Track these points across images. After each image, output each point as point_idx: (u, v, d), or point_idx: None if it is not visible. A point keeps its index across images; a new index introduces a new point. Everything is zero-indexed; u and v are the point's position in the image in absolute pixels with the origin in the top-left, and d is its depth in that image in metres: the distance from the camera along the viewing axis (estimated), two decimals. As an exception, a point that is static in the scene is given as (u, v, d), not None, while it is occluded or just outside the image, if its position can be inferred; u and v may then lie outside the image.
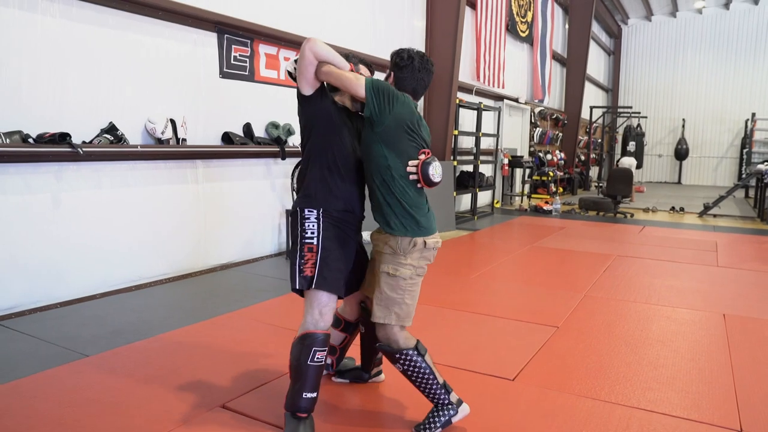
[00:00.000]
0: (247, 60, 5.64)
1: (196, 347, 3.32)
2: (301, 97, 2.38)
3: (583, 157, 16.65)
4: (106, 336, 3.51)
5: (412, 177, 2.32)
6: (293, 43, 6.06)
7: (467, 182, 9.48)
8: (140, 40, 4.63)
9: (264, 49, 5.80)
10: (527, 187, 12.37)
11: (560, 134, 15.42)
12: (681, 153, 19.50)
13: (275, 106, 6.00)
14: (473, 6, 9.77)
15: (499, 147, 10.81)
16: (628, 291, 4.86)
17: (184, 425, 2.41)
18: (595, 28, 17.41)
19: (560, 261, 6.13)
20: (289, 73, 2.50)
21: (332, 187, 2.38)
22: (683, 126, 19.61)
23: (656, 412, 2.62)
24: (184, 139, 4.91)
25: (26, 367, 3.00)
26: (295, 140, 6.05)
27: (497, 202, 11.36)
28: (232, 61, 5.47)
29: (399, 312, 2.36)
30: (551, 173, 12.96)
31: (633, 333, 3.76)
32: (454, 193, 8.56)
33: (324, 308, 2.33)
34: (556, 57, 14.76)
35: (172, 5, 4.75)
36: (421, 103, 8.56)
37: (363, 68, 2.55)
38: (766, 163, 10.64)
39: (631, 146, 17.75)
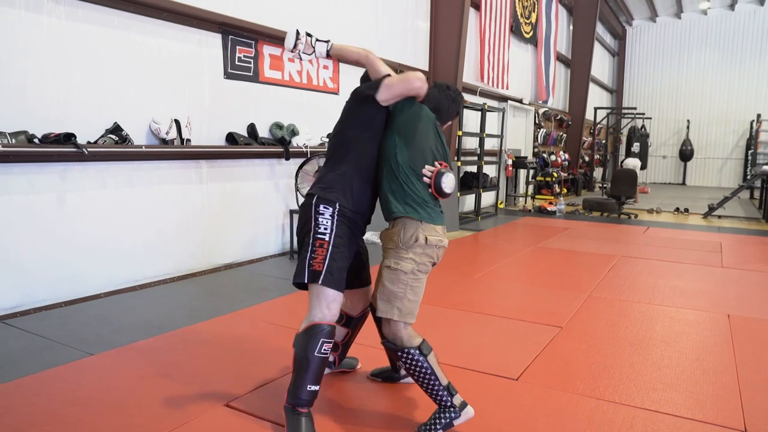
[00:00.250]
0: (252, 61, 5.66)
1: (199, 346, 3.33)
2: (368, 98, 2.46)
3: (587, 158, 16.61)
4: (110, 335, 3.52)
5: (425, 179, 2.39)
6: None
7: (471, 183, 9.48)
8: (144, 40, 4.65)
9: (268, 50, 5.81)
10: (531, 187, 12.34)
11: (564, 135, 15.39)
12: (685, 154, 19.43)
13: (279, 107, 6.02)
14: (477, 7, 9.77)
15: (503, 148, 10.80)
16: (632, 291, 4.84)
17: (187, 424, 2.41)
18: (600, 29, 17.38)
19: (564, 261, 6.12)
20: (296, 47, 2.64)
21: (353, 186, 2.43)
22: (688, 127, 19.54)
23: (660, 412, 2.61)
24: (188, 140, 4.93)
25: (29, 366, 3.01)
26: (298, 141, 6.06)
27: (501, 203, 11.34)
28: (237, 62, 5.49)
29: (401, 307, 2.37)
30: (555, 174, 12.94)
31: (637, 333, 3.75)
32: (458, 194, 8.56)
33: (331, 303, 2.36)
34: (560, 58, 14.73)
35: (176, 6, 4.77)
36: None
37: None
38: (771, 164, 10.60)
39: (636, 147, 17.68)
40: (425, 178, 2.39)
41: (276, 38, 5.81)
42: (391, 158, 2.40)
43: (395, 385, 2.84)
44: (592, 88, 16.72)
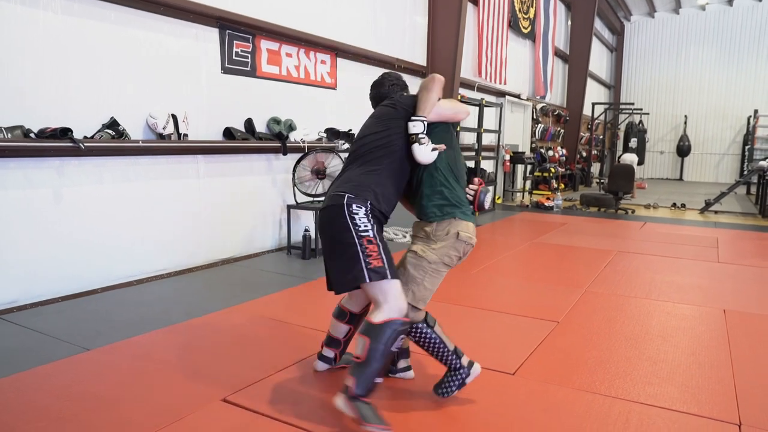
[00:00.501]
0: (249, 55, 5.64)
1: (196, 341, 3.33)
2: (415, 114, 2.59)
3: (584, 154, 16.62)
4: (107, 330, 3.52)
5: (468, 197, 2.68)
6: (295, 39, 6.05)
7: (468, 178, 9.45)
8: (141, 35, 4.63)
9: (266, 45, 5.80)
10: (528, 183, 12.36)
11: (562, 130, 15.40)
12: (683, 150, 19.46)
13: (277, 102, 6.00)
14: (475, 2, 9.75)
15: (500, 143, 10.80)
16: (628, 286, 4.85)
17: (185, 419, 2.41)
18: (598, 24, 17.36)
19: (561, 257, 6.13)
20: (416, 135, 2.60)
21: (384, 189, 2.51)
22: (685, 123, 19.56)
23: (656, 406, 2.63)
24: (185, 134, 4.91)
25: (26, 361, 3.01)
26: (296, 136, 6.05)
27: (498, 198, 11.35)
28: (234, 57, 5.47)
29: (416, 291, 2.49)
30: (553, 169, 12.95)
31: (633, 328, 3.76)
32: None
33: (400, 295, 2.41)
34: (558, 53, 14.72)
35: (173, 0, 4.74)
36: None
37: None
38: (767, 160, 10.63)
39: (633, 143, 17.72)
40: (468, 196, 2.67)
41: (274, 33, 5.80)
42: (431, 163, 2.56)
43: (393, 379, 2.85)
44: (590, 84, 16.72)
